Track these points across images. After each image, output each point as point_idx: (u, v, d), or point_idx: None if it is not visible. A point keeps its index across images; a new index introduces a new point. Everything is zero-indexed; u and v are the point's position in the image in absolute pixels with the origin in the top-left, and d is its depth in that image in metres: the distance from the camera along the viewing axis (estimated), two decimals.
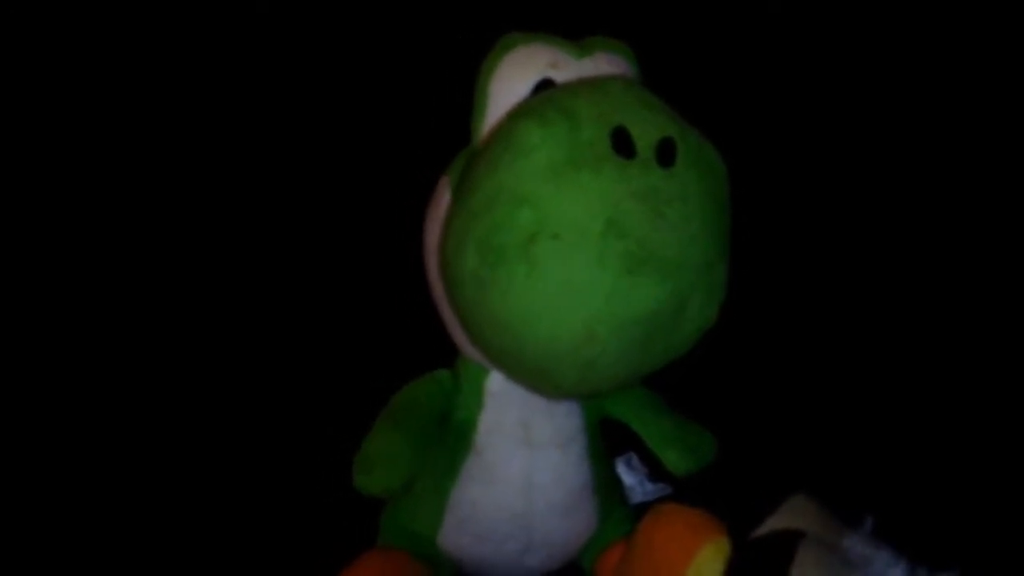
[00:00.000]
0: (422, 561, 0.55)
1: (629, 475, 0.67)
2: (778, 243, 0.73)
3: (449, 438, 0.55)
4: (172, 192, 0.70)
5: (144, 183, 0.69)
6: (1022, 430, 0.67)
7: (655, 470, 0.67)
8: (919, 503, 0.61)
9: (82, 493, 0.64)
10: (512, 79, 0.50)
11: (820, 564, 0.44)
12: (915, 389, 0.71)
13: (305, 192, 0.70)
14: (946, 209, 0.72)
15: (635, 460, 0.67)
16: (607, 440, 0.60)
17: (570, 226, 0.42)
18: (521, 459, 0.54)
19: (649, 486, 0.66)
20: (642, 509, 0.56)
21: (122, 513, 0.63)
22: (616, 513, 0.59)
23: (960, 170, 0.72)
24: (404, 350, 0.60)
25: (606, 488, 0.58)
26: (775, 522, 0.49)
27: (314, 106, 0.69)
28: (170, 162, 0.69)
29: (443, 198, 0.51)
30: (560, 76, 0.50)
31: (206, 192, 0.70)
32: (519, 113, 0.45)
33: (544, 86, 0.50)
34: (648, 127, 0.43)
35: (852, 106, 0.73)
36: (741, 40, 0.73)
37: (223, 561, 0.59)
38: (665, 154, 0.43)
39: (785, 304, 0.74)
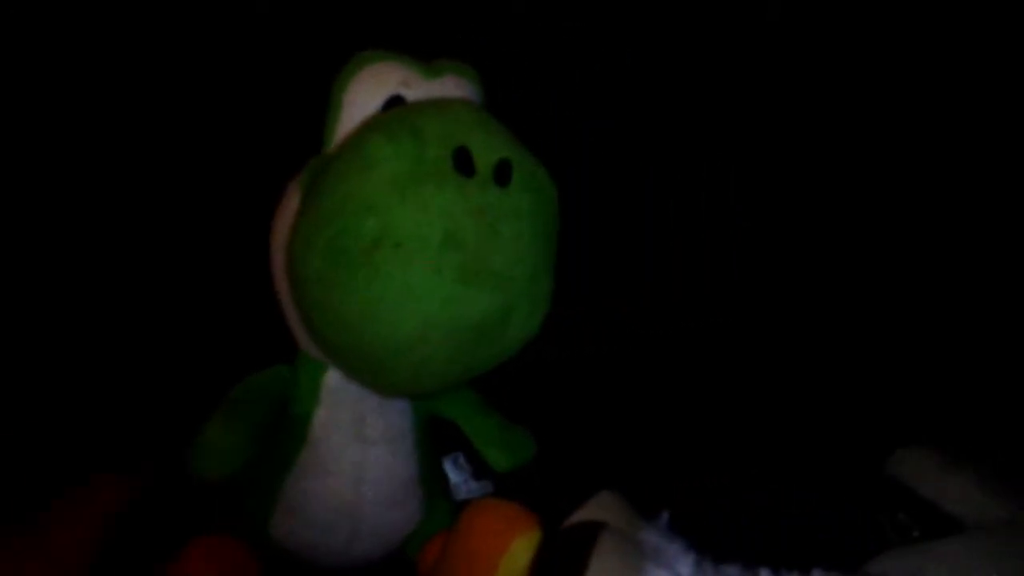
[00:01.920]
0: (253, 547, 0.56)
1: (455, 473, 0.70)
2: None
3: (285, 430, 0.57)
4: None
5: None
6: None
7: (478, 469, 0.70)
8: (710, 502, 0.68)
9: None
10: (365, 94, 0.53)
11: (617, 552, 0.48)
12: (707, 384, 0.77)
13: (154, 190, 0.70)
14: (927, 216, 0.76)
15: (461, 459, 0.70)
16: (436, 439, 0.63)
17: (411, 236, 0.45)
18: (353, 453, 0.57)
19: (473, 484, 0.69)
20: (465, 505, 0.59)
21: None
22: (440, 507, 0.62)
23: (957, 175, 0.76)
24: (247, 344, 0.62)
25: (431, 483, 0.62)
26: (581, 515, 0.52)
27: (173, 106, 0.70)
28: None
29: (292, 201, 0.53)
30: (410, 94, 0.53)
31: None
32: (370, 127, 0.49)
33: (395, 103, 0.53)
34: (488, 148, 0.47)
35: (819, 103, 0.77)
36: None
37: None
38: (502, 174, 0.47)
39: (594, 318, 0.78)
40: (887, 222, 0.79)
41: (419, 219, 0.45)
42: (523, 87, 0.68)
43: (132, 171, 0.70)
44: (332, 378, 0.56)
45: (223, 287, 0.70)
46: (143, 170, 0.70)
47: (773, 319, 0.80)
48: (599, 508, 0.53)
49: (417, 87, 0.54)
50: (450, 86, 0.55)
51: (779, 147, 0.78)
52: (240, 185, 0.66)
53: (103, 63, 0.68)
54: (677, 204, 0.78)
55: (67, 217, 0.69)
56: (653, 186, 0.78)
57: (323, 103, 0.54)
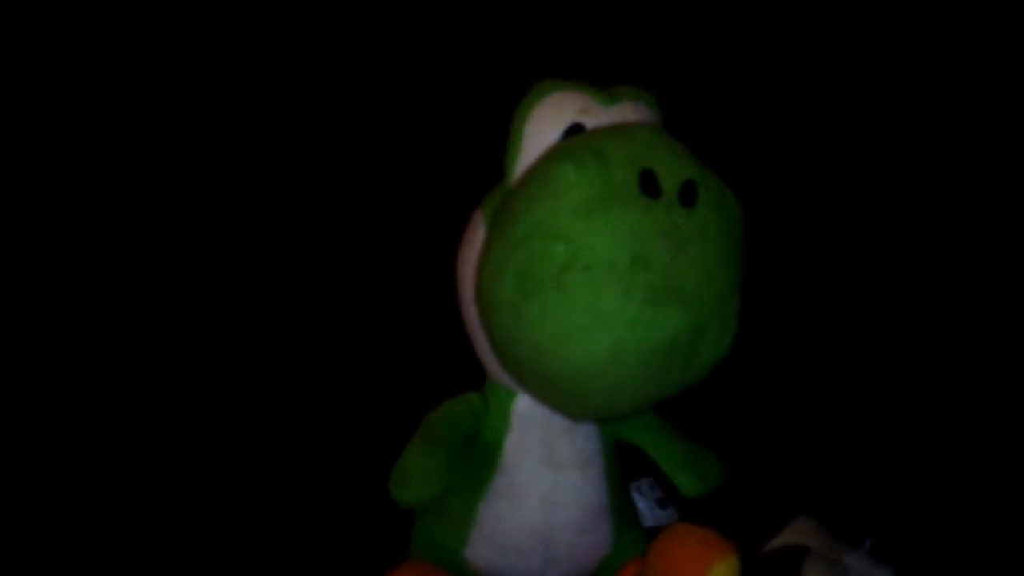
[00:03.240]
0: (450, 572, 0.57)
1: (641, 500, 0.69)
2: (779, 266, 0.75)
3: (477, 457, 0.58)
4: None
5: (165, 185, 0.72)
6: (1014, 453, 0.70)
7: (663, 497, 0.70)
8: (914, 528, 0.65)
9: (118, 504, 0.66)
10: (545, 122, 0.54)
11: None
12: (913, 413, 0.73)
13: (346, 221, 0.73)
14: (945, 223, 0.74)
15: (646, 486, 0.70)
16: (622, 466, 0.63)
17: (600, 259, 0.45)
18: (543, 478, 0.57)
19: (659, 511, 0.69)
20: (652, 533, 0.59)
21: (149, 528, 0.65)
22: (630, 534, 0.62)
23: (958, 178, 0.74)
24: (437, 373, 0.63)
25: (621, 509, 0.61)
26: (782, 540, 0.51)
27: (356, 139, 0.72)
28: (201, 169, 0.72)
29: (478, 230, 0.55)
30: (590, 122, 0.54)
31: (245, 221, 0.73)
32: (555, 155, 0.49)
33: (574, 131, 0.53)
34: (673, 170, 0.47)
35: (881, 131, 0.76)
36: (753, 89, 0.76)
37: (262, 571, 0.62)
38: (688, 195, 0.47)
39: (782, 336, 0.76)
40: (893, 240, 0.77)
41: (607, 242, 0.46)
42: (700, 109, 0.67)
43: (328, 202, 0.73)
44: (522, 404, 0.57)
45: (413, 319, 0.72)
46: (340, 203, 0.73)
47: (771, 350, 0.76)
48: (799, 533, 0.52)
49: (596, 114, 0.54)
50: (628, 111, 0.55)
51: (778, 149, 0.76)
52: (427, 217, 0.67)
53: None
54: None
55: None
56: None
57: (502, 133, 0.55)
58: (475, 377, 0.60)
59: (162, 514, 0.65)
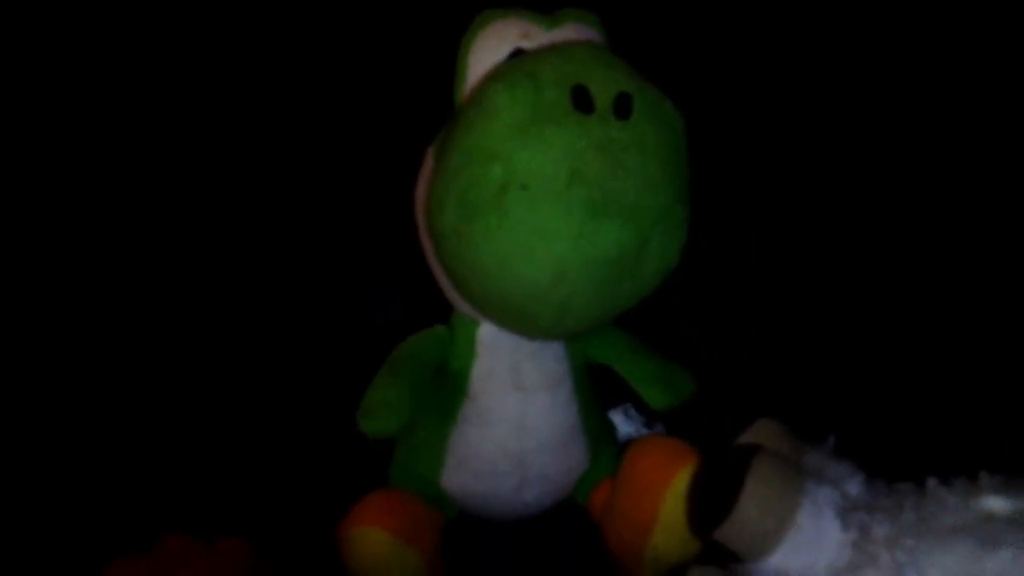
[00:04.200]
0: (427, 500, 0.59)
1: (626, 423, 0.70)
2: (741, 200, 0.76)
3: (446, 387, 0.59)
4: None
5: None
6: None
7: (650, 419, 0.71)
8: (882, 427, 0.66)
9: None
10: (488, 50, 0.54)
11: (775, 472, 0.47)
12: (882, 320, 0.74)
13: (317, 174, 0.74)
14: (933, 214, 0.74)
15: (632, 410, 0.70)
16: (602, 392, 0.64)
17: (537, 177, 0.46)
18: (513, 402, 0.59)
19: (645, 432, 0.70)
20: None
21: (131, 443, 0.68)
22: (605, 452, 0.63)
23: (958, 173, 0.73)
24: (408, 310, 0.64)
25: (595, 429, 0.63)
26: (740, 441, 0.52)
27: (312, 93, 0.73)
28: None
29: (428, 165, 0.56)
30: (532, 45, 0.54)
31: (201, 178, 0.73)
32: (489, 79, 0.50)
33: (517, 55, 0.54)
34: (606, 84, 0.47)
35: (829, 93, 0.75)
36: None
37: (243, 502, 0.64)
38: (622, 108, 0.47)
39: (752, 245, 0.77)
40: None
41: (543, 160, 0.46)
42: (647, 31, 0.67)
43: (284, 158, 0.73)
44: (485, 331, 0.58)
45: (380, 260, 0.73)
46: (283, 154, 0.74)
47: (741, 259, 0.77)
48: (757, 435, 0.53)
49: (538, 38, 0.55)
50: (571, 33, 0.56)
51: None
52: (385, 160, 0.68)
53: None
54: None
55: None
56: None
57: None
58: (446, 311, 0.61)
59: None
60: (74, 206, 0.71)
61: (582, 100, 0.47)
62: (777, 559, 0.47)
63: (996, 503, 0.45)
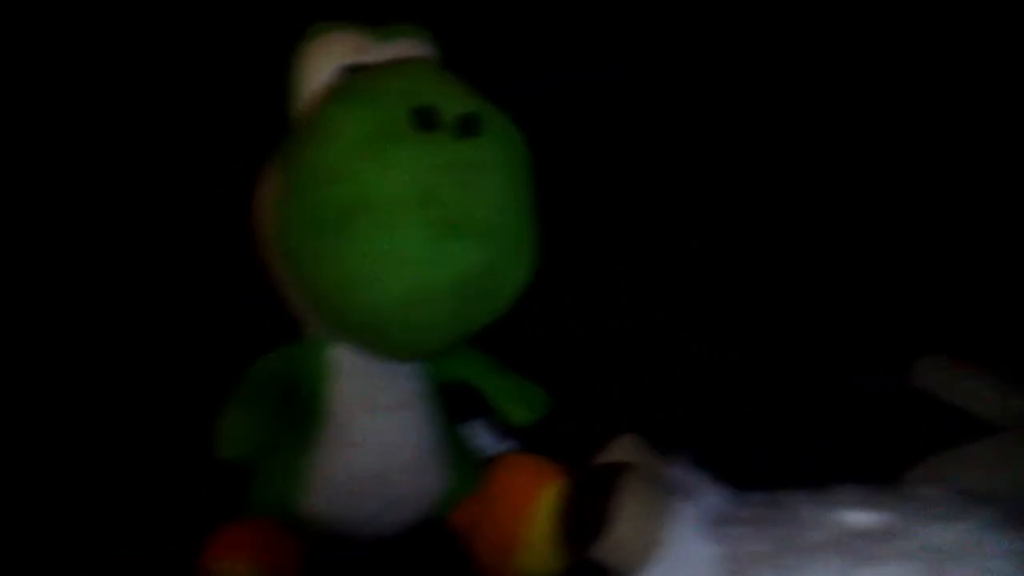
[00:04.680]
0: (288, 525, 0.57)
1: (482, 437, 0.70)
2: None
3: (302, 409, 0.58)
4: None
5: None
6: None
7: (504, 432, 0.70)
8: (732, 437, 0.67)
9: None
10: (320, 65, 0.53)
11: (643, 489, 0.47)
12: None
13: (160, 186, 0.71)
14: (924, 209, 0.76)
15: (484, 424, 0.70)
16: (454, 406, 0.63)
17: (382, 198, 0.45)
18: (369, 423, 0.57)
19: (500, 445, 0.69)
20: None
21: None
22: (466, 469, 0.63)
23: (950, 168, 0.75)
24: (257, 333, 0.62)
25: (453, 446, 0.62)
26: (603, 458, 0.52)
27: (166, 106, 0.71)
28: None
29: (268, 181, 0.54)
30: (365, 60, 0.53)
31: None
32: (326, 96, 0.49)
33: (352, 71, 0.52)
34: (451, 102, 0.47)
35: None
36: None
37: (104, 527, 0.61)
38: (468, 127, 0.46)
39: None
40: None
41: (390, 180, 0.45)
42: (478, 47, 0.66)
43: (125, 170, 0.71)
44: (338, 352, 0.57)
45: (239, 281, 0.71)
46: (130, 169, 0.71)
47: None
48: (621, 451, 0.53)
49: (372, 52, 0.53)
50: (405, 48, 0.55)
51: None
52: (226, 179, 0.66)
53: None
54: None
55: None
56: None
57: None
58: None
59: None
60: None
61: (426, 119, 0.46)
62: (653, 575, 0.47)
63: (858, 517, 0.45)
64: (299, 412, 0.58)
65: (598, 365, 0.76)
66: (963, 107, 0.74)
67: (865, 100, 0.76)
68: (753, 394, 0.72)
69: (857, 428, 0.68)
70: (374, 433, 0.57)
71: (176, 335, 0.72)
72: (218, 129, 0.70)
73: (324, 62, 0.53)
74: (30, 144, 0.69)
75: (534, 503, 0.55)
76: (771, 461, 0.64)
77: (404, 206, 0.45)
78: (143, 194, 0.71)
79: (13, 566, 0.58)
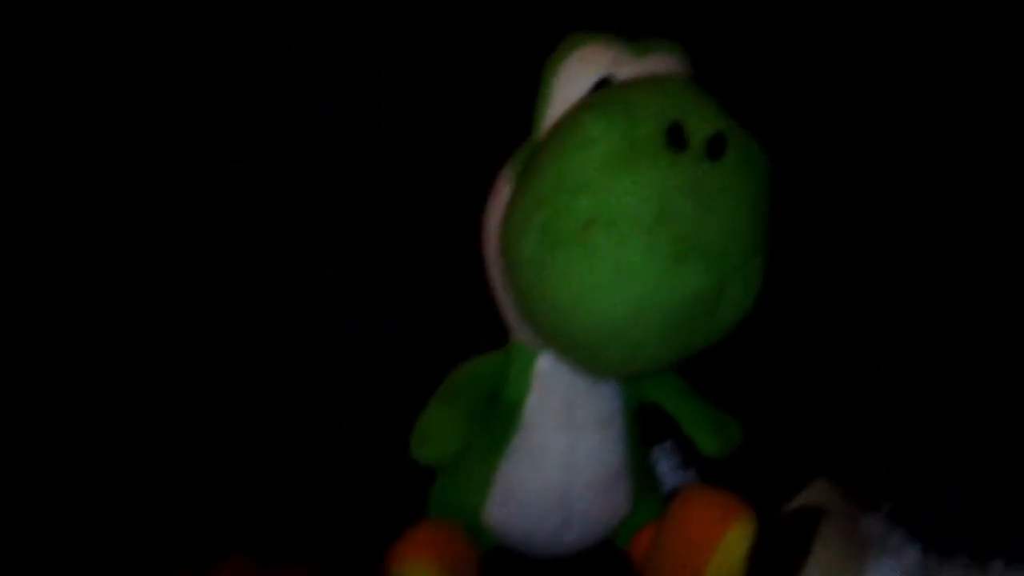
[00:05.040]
0: (467, 531, 0.58)
1: (662, 462, 0.69)
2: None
3: (497, 417, 0.58)
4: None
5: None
6: None
7: (684, 460, 0.69)
8: (931, 496, 0.64)
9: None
10: (575, 76, 0.53)
11: (841, 538, 0.46)
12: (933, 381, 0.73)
13: (376, 177, 0.72)
14: (929, 209, 0.74)
15: (669, 448, 0.69)
16: (643, 428, 0.62)
17: (625, 214, 0.45)
18: (564, 438, 0.57)
19: (680, 473, 0.68)
20: (674, 495, 0.60)
21: (166, 485, 0.66)
22: (649, 496, 0.62)
23: (953, 166, 0.73)
24: (462, 332, 0.63)
25: (640, 471, 0.61)
26: (799, 501, 0.51)
27: (384, 97, 0.72)
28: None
29: (504, 186, 0.54)
30: (620, 74, 0.53)
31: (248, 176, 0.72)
32: (583, 107, 0.49)
33: (604, 84, 0.52)
34: (701, 122, 0.46)
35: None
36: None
37: (279, 532, 0.63)
38: (715, 148, 0.46)
39: (799, 296, 0.75)
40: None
41: (632, 197, 0.45)
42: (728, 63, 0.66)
43: (350, 160, 0.73)
44: (544, 363, 0.57)
45: (438, 278, 0.72)
46: (365, 159, 0.73)
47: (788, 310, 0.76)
48: (817, 495, 0.52)
49: (626, 66, 0.53)
50: (659, 63, 0.55)
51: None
52: (455, 175, 0.67)
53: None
54: None
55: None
56: None
57: (532, 90, 0.54)
58: (500, 338, 0.59)
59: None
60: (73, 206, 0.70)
61: (676, 137, 0.45)
62: None
63: None
64: (494, 419, 0.58)
65: None
66: (963, 107, 0.72)
67: (865, 100, 0.74)
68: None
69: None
70: (566, 448, 0.57)
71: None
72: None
73: (580, 73, 0.53)
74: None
75: (720, 541, 0.54)
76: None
77: (641, 223, 0.45)
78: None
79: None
